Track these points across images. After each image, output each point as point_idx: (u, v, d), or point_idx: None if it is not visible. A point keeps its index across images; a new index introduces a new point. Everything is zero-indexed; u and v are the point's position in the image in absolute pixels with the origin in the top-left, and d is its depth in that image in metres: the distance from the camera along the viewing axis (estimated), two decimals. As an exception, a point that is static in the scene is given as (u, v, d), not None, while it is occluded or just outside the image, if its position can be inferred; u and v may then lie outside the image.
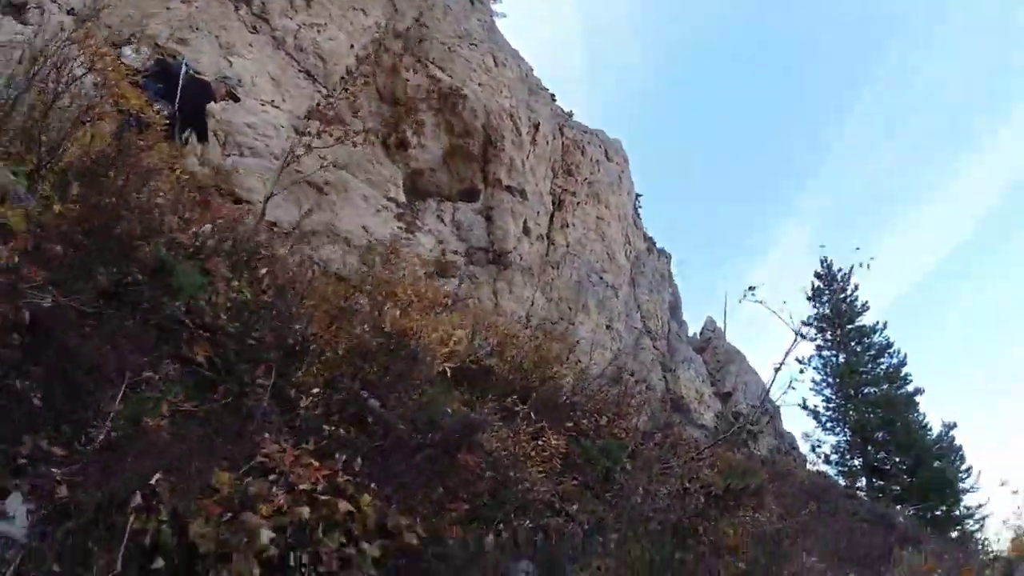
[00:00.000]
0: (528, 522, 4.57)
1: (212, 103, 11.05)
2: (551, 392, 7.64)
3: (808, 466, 25.32)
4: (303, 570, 3.13)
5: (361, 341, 4.95)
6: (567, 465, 6.06)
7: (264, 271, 5.45)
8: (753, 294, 8.71)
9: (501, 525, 4.41)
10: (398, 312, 5.20)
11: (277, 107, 12.69)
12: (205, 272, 4.78)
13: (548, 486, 5.30)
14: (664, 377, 22.25)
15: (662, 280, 27.81)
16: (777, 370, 8.57)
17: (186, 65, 10.24)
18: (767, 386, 9.88)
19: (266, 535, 3.08)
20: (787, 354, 8.70)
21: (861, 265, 10.63)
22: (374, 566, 3.35)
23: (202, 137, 10.71)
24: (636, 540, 4.57)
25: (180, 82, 10.13)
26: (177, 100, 10.05)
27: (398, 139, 14.70)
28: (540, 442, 5.95)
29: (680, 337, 26.94)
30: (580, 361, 9.60)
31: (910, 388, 27.60)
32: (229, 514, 3.11)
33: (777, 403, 9.44)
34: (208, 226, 5.89)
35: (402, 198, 14.66)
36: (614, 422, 7.48)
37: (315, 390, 4.38)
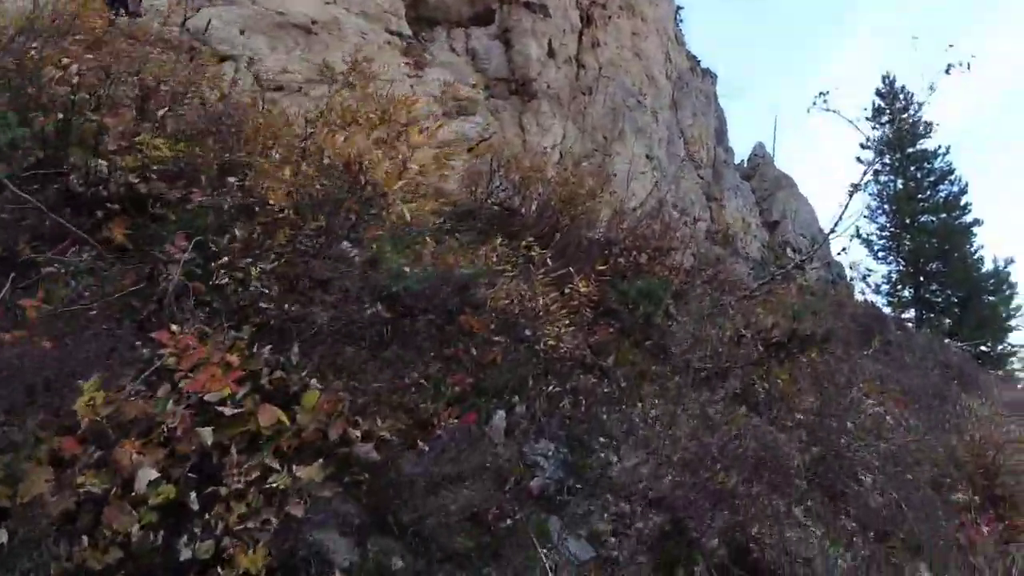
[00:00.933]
0: (552, 387, 3.65)
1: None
2: (579, 231, 6.50)
3: (856, 296, 24.09)
4: (210, 515, 2.24)
5: (304, 184, 3.82)
6: (602, 313, 5.05)
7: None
8: (825, 101, 7.17)
9: (516, 397, 3.48)
10: (342, 138, 4.00)
11: None
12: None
13: (577, 339, 4.33)
14: (709, 207, 20.81)
15: (707, 102, 25.44)
16: (851, 193, 7.18)
17: None
18: (836, 215, 8.47)
19: (146, 476, 2.17)
20: (865, 175, 7.26)
21: (960, 65, 8.69)
22: (323, 488, 2.45)
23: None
24: (680, 399, 3.62)
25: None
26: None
27: (393, -42, 12.67)
28: (567, 290, 4.91)
29: (727, 164, 25.02)
30: (615, 193, 8.35)
31: (968, 219, 25.42)
32: (97, 451, 2.20)
33: (840, 232, 8.17)
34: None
35: (406, 30, 12.92)
36: (655, 260, 6.36)
37: (246, 261, 3.32)
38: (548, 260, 5.24)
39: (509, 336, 3.96)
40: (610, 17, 16.70)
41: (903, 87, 28.14)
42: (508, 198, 6.91)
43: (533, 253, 5.20)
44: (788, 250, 23.47)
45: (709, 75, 27.89)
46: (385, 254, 3.84)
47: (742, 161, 29.43)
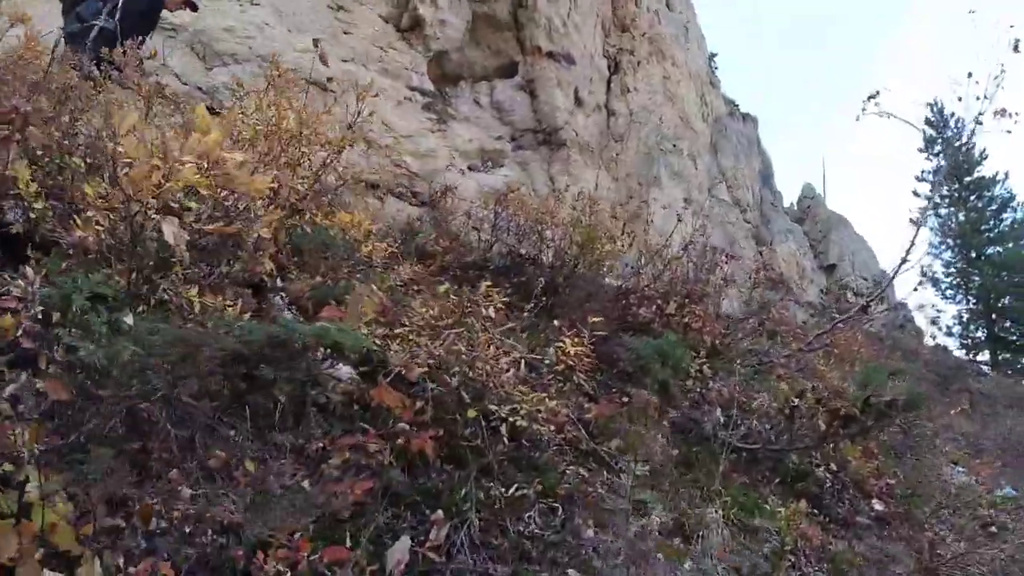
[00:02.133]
0: (514, 489, 2.67)
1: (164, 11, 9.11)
2: (596, 278, 5.59)
3: (927, 340, 22.08)
4: None
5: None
6: (614, 377, 4.10)
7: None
8: (876, 104, 6.18)
9: (440, 512, 2.46)
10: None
11: (257, 3, 10.65)
12: None
13: (566, 415, 3.36)
14: (759, 252, 19.54)
15: (750, 146, 24.41)
16: (917, 225, 6.09)
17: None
18: (904, 250, 7.27)
19: None
20: (926, 208, 6.19)
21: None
22: None
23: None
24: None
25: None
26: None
27: (411, 19, 12.35)
28: (554, 348, 3.98)
29: (775, 207, 23.77)
30: (647, 232, 7.42)
31: None
32: None
33: (907, 268, 7.02)
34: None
35: (428, 86, 12.49)
36: (685, 308, 5.38)
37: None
38: (527, 310, 4.33)
39: (452, 412, 3.04)
40: (639, 63, 16.08)
41: (952, 114, 26.59)
42: (515, 244, 6.09)
43: (492, 301, 4.14)
44: (849, 294, 21.86)
45: (750, 119, 26.94)
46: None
47: (791, 204, 28.08)
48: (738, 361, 4.77)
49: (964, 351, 22.13)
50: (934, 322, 23.65)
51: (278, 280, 4.56)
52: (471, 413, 3.11)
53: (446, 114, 12.46)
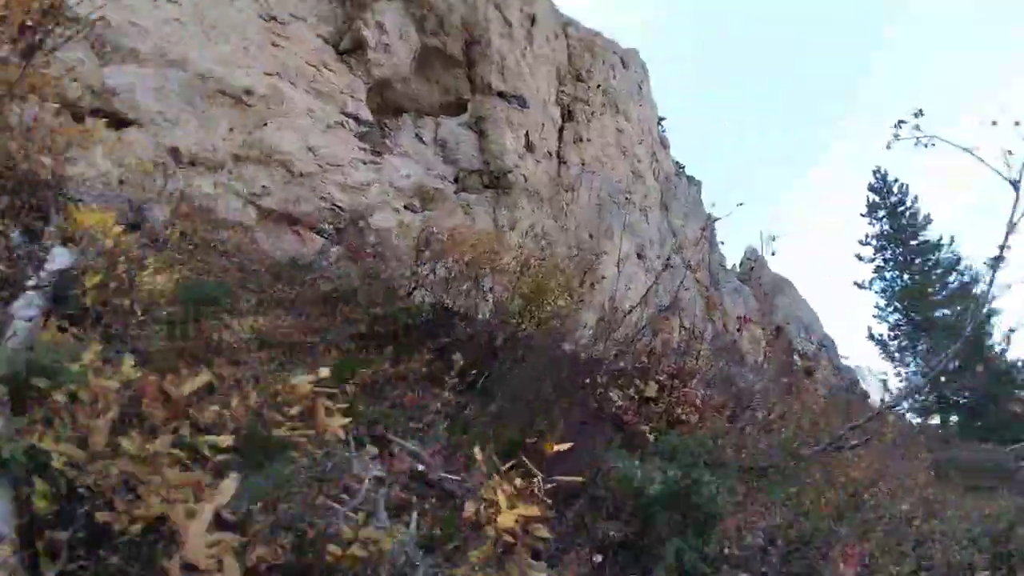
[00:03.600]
0: None
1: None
2: (549, 343, 4.21)
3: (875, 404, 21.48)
4: None
5: None
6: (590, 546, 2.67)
7: None
8: (917, 127, 5.18)
9: None
10: None
11: (174, 1, 9.20)
12: None
13: None
14: (709, 316, 18.69)
15: (696, 206, 23.95)
16: (996, 262, 5.02)
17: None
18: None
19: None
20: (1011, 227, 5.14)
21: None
22: None
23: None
24: None
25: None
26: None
27: (353, 40, 11.10)
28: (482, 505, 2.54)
29: (723, 267, 23.21)
30: (594, 289, 6.12)
31: (984, 310, 23.33)
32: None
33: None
34: None
35: (366, 115, 11.18)
36: (672, 392, 4.06)
37: None
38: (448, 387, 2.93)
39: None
40: (593, 113, 15.23)
41: (895, 179, 26.89)
42: (442, 294, 4.69)
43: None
44: (796, 356, 21.18)
45: (694, 182, 26.65)
46: None
47: (734, 266, 27.71)
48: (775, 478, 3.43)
49: (916, 416, 21.63)
50: (885, 385, 23.12)
51: None
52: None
53: (383, 146, 11.14)
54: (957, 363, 21.10)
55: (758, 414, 4.56)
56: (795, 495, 3.80)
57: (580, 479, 2.56)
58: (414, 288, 5.12)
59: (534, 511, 2.08)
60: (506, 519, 1.98)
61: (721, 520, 2.95)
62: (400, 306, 4.91)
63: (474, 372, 4.40)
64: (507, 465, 2.68)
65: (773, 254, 23.83)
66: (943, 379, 21.79)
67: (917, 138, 5.52)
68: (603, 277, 9.13)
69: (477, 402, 4.10)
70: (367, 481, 2.83)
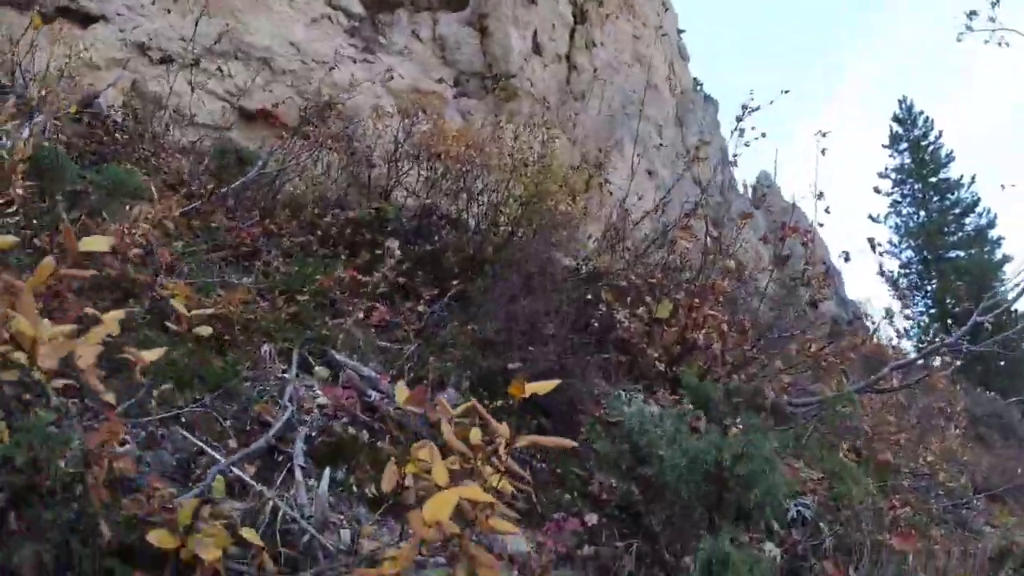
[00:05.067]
0: None
1: None
2: (547, 253, 3.46)
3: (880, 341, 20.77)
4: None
5: None
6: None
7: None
8: (992, 20, 4.23)
9: None
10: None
11: None
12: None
13: None
14: (718, 236, 17.80)
15: (713, 126, 22.66)
16: None
17: None
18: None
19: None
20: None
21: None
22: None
23: None
24: None
25: None
26: None
27: (341, -81, 9.81)
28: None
29: (735, 190, 22.16)
30: (603, 206, 5.26)
31: (998, 254, 22.27)
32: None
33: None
34: None
35: (357, 8, 10.04)
36: (692, 312, 3.30)
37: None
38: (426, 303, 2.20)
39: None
40: (608, 15, 13.88)
41: (921, 112, 25.32)
42: (424, 194, 3.90)
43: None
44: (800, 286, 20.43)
45: (711, 101, 25.18)
46: None
47: (745, 190, 26.59)
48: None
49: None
50: (890, 320, 22.35)
51: None
52: None
53: (375, 43, 10.05)
54: (969, 308, 20.12)
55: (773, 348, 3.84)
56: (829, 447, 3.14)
57: (569, 443, 1.83)
58: (391, 188, 4.33)
59: (487, 497, 1.39)
60: (440, 506, 1.30)
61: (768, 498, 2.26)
62: (374, 206, 4.12)
63: (457, 284, 3.66)
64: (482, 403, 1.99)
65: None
66: (949, 321, 21.05)
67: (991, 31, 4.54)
68: (609, 183, 8.24)
69: (459, 320, 3.38)
70: (288, 411, 2.14)
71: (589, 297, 3.57)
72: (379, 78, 9.27)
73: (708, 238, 4.27)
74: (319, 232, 4.19)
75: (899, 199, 23.72)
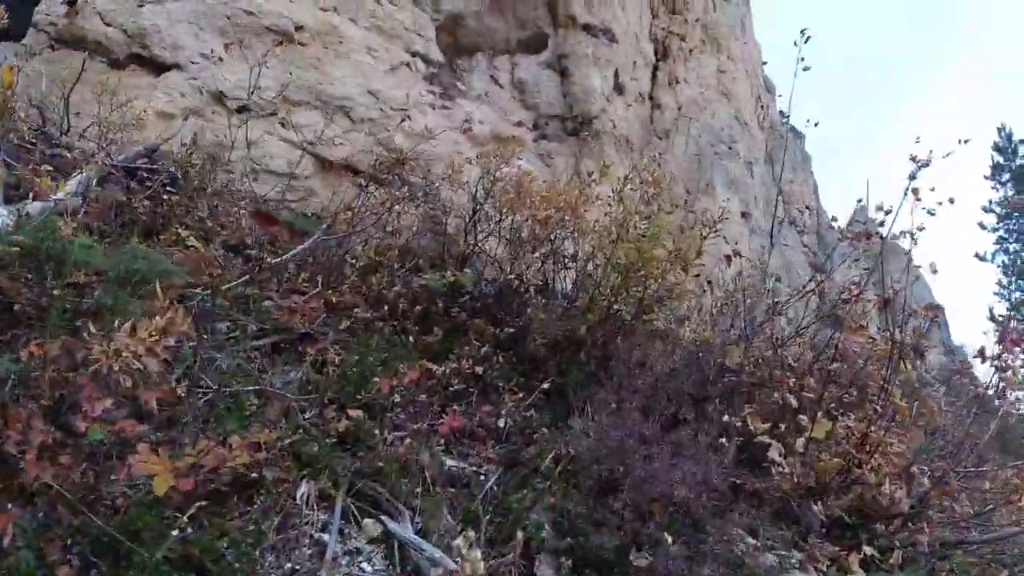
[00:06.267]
0: None
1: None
2: (650, 349, 2.66)
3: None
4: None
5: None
6: None
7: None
8: None
9: None
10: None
11: None
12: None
13: None
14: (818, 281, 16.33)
15: (804, 160, 21.23)
16: None
17: None
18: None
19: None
20: None
21: None
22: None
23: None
24: None
25: None
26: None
27: (419, -31, 9.52)
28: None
29: (832, 229, 20.55)
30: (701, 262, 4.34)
31: None
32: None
33: None
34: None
35: (436, 54, 9.66)
36: (865, 443, 2.39)
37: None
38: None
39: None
40: (691, 51, 13.07)
41: (1022, 140, 22.99)
42: (509, 259, 3.19)
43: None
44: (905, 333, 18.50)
45: (797, 134, 23.69)
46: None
47: (838, 227, 24.77)
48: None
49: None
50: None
51: None
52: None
53: (454, 89, 9.63)
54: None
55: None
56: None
57: None
58: (469, 253, 3.67)
59: None
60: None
61: None
62: (449, 275, 3.46)
63: (548, 377, 2.90)
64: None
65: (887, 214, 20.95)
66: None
67: None
68: (736, 251, 7.28)
69: (551, 431, 2.61)
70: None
71: (725, 417, 2.72)
72: (459, 126, 8.79)
73: (890, 337, 3.28)
74: (386, 306, 3.57)
75: (1005, 235, 21.42)
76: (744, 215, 11.74)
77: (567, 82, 10.40)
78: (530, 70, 10.42)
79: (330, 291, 3.78)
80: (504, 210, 3.72)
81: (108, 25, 7.13)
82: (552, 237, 3.58)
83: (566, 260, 3.69)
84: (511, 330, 3.20)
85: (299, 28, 7.85)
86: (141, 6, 7.24)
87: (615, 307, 3.23)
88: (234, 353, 2.79)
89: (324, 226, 3.80)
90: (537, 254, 3.60)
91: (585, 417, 2.61)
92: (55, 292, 2.09)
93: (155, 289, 2.00)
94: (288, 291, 3.61)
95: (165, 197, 4.17)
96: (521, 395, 2.95)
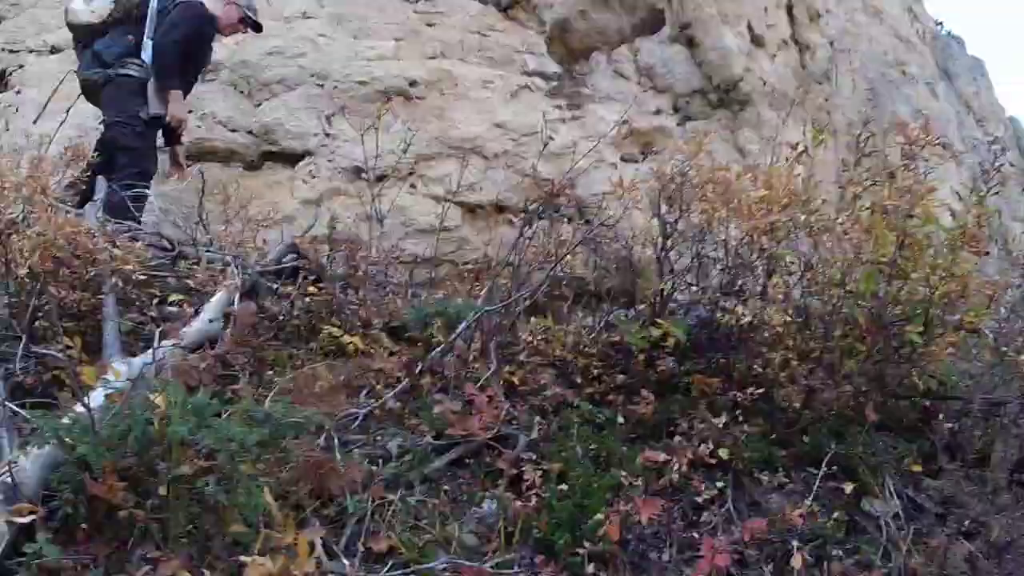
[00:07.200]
0: None
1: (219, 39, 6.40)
2: None
3: None
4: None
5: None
6: None
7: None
8: None
9: None
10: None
11: (311, 16, 7.88)
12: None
13: None
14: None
15: (980, 69, 17.72)
16: None
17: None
18: None
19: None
20: None
21: None
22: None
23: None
24: None
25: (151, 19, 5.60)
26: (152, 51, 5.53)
27: (515, -11, 8.91)
28: None
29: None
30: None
31: None
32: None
33: None
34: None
35: (552, 67, 8.91)
36: None
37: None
38: None
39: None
40: (828, -24, 11.19)
41: None
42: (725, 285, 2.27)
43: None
44: None
45: (955, 39, 19.76)
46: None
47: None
48: None
49: None
50: None
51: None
52: None
53: (580, 96, 8.80)
54: None
55: None
56: None
57: None
58: (667, 295, 2.76)
59: None
60: None
61: None
62: (648, 327, 2.60)
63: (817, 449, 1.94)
64: None
65: None
66: None
67: None
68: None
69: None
70: None
71: None
72: (593, 134, 7.93)
73: None
74: (575, 376, 2.81)
75: None
76: (944, 147, 9.68)
77: (698, 51, 9.15)
78: (654, 52, 9.31)
79: (506, 366, 3.09)
80: (707, 223, 2.78)
81: (233, 131, 7.17)
82: (767, 252, 2.59)
83: (791, 272, 2.67)
84: (756, 389, 2.26)
85: (412, 84, 7.49)
86: (258, 105, 7.23)
87: (895, 328, 2.16)
88: (409, 484, 2.14)
89: (476, 313, 3.02)
90: (759, 272, 2.64)
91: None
92: (160, 491, 1.57)
93: (269, 503, 1.39)
94: (456, 379, 2.97)
95: (312, 291, 3.75)
96: (791, 484, 2.01)
